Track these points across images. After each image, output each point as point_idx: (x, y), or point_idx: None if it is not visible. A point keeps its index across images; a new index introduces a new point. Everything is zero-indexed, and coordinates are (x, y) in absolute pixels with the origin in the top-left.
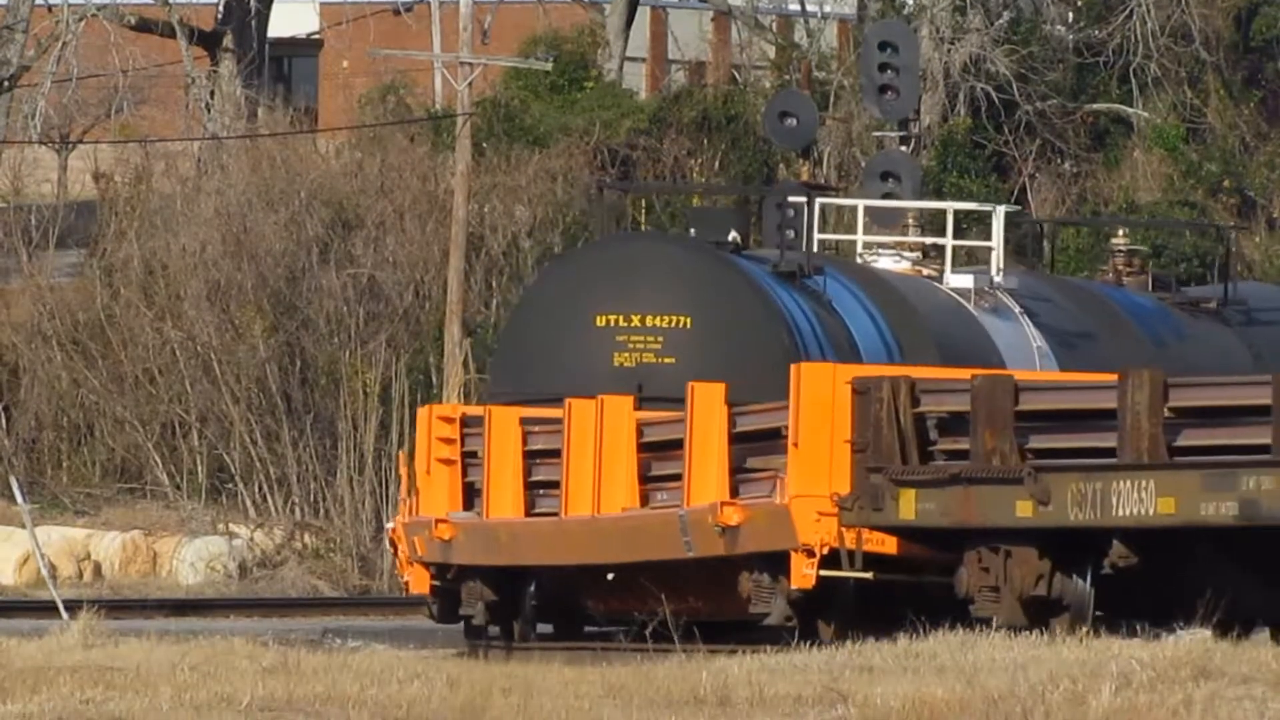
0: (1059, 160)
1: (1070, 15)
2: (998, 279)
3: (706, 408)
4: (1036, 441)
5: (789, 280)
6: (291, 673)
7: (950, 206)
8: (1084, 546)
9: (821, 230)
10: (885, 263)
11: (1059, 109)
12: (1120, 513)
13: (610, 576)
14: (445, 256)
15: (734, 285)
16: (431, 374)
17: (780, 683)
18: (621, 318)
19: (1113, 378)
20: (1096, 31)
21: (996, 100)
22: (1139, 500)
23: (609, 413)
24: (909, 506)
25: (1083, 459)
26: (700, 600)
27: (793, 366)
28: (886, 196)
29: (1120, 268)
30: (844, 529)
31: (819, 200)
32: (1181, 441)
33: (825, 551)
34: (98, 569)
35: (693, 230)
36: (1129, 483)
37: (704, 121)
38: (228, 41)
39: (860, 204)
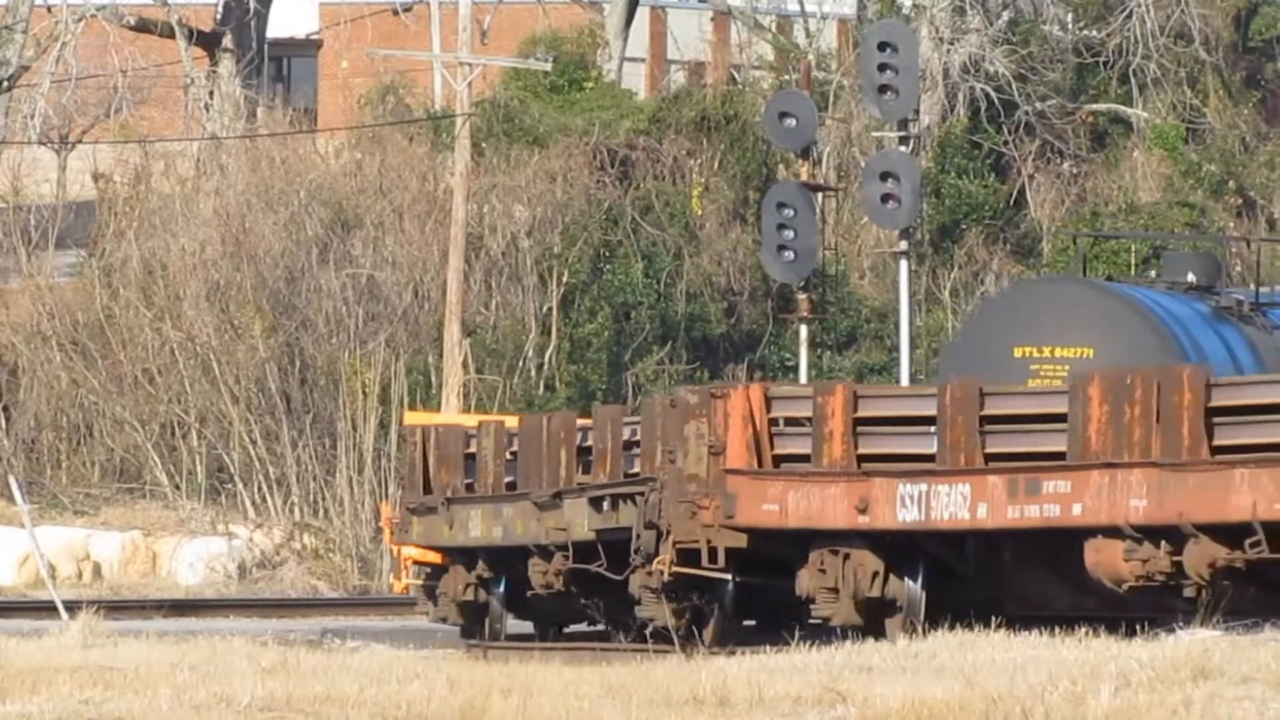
0: (1058, 160)
1: (1069, 15)
2: None
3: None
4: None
5: (1225, 315)
6: (291, 673)
7: None
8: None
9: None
10: None
11: (1058, 109)
12: (472, 535)
13: None
14: (444, 257)
15: (1130, 320)
16: (431, 374)
17: (779, 683)
18: (1034, 349)
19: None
20: (1096, 32)
21: (996, 100)
22: (487, 526)
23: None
24: (416, 530)
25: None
26: None
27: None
28: (885, 197)
29: None
30: (392, 544)
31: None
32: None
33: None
34: (97, 569)
35: (1153, 271)
36: (478, 510)
37: (703, 121)
38: (227, 42)
39: None
